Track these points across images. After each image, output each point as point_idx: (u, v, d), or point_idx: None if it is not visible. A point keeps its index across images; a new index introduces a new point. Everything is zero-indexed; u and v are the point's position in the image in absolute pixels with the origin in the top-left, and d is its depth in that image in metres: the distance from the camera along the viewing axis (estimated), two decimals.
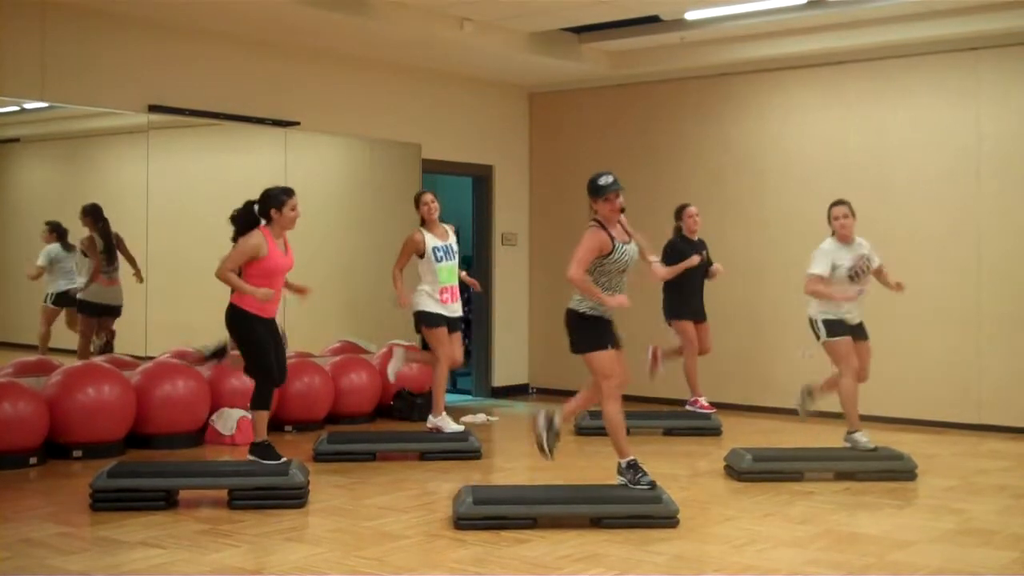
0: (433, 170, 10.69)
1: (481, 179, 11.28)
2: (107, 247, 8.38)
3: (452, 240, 7.92)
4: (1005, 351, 8.84)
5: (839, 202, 7.10)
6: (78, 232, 8.32)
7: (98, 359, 8.14)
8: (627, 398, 9.26)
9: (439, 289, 7.77)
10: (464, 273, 8.13)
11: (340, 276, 9.95)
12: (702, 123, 10.48)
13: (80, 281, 8.32)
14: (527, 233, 11.59)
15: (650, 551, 5.16)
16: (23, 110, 8.17)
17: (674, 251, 8.66)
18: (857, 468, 6.85)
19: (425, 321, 7.82)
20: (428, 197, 7.92)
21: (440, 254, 7.81)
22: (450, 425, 7.79)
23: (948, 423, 8.99)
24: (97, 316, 8.45)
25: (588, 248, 5.77)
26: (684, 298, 8.77)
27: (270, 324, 6.41)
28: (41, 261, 8.26)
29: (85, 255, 8.35)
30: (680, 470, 7.18)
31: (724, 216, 10.23)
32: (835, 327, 6.97)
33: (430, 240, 7.81)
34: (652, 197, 10.70)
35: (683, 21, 9.20)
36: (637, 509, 5.63)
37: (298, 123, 9.42)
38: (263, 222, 6.33)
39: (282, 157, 9.39)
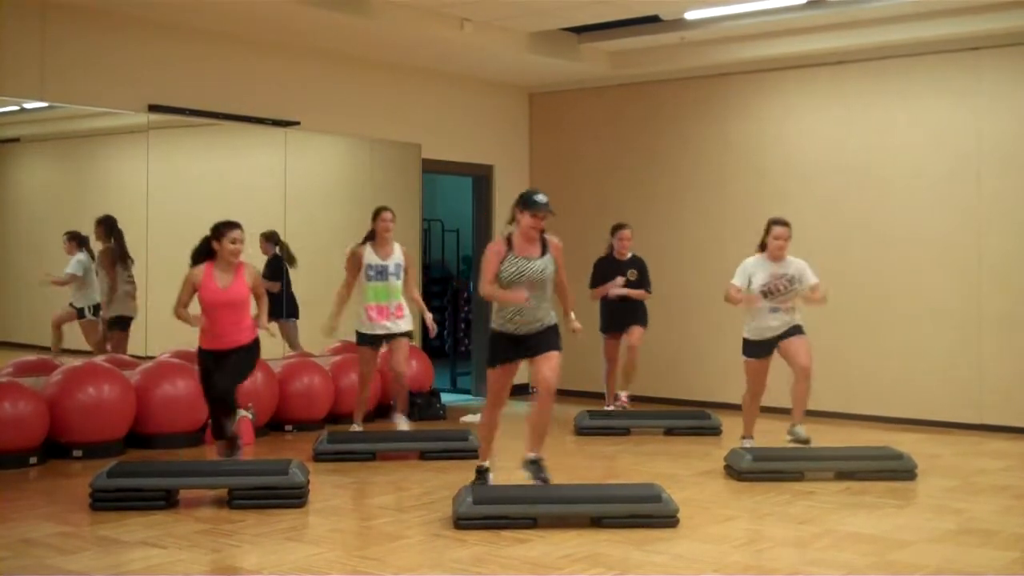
0: (433, 170, 10.69)
1: (481, 179, 11.28)
2: (123, 258, 8.39)
3: (393, 262, 7.97)
4: (1005, 351, 8.84)
5: (782, 222, 7.23)
6: (87, 230, 8.32)
7: (98, 359, 8.13)
8: (628, 398, 9.33)
9: (365, 307, 7.94)
10: (422, 305, 8.26)
11: (340, 276, 9.91)
12: (702, 123, 10.48)
13: (96, 296, 8.33)
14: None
15: (650, 551, 5.16)
16: (23, 110, 8.17)
17: (597, 270, 9.09)
18: (857, 468, 6.85)
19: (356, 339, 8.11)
20: (386, 214, 8.03)
21: (371, 273, 7.95)
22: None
23: (949, 423, 8.98)
24: (127, 330, 8.50)
25: (486, 260, 6.07)
26: (606, 313, 9.07)
27: (218, 357, 6.46)
28: (75, 270, 8.26)
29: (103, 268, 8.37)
30: (680, 470, 7.18)
31: (724, 216, 10.23)
32: (749, 348, 7.29)
33: (368, 257, 7.96)
34: (652, 197, 10.71)
35: (683, 21, 9.20)
36: (637, 509, 5.62)
37: (298, 123, 9.42)
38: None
39: (282, 157, 9.39)
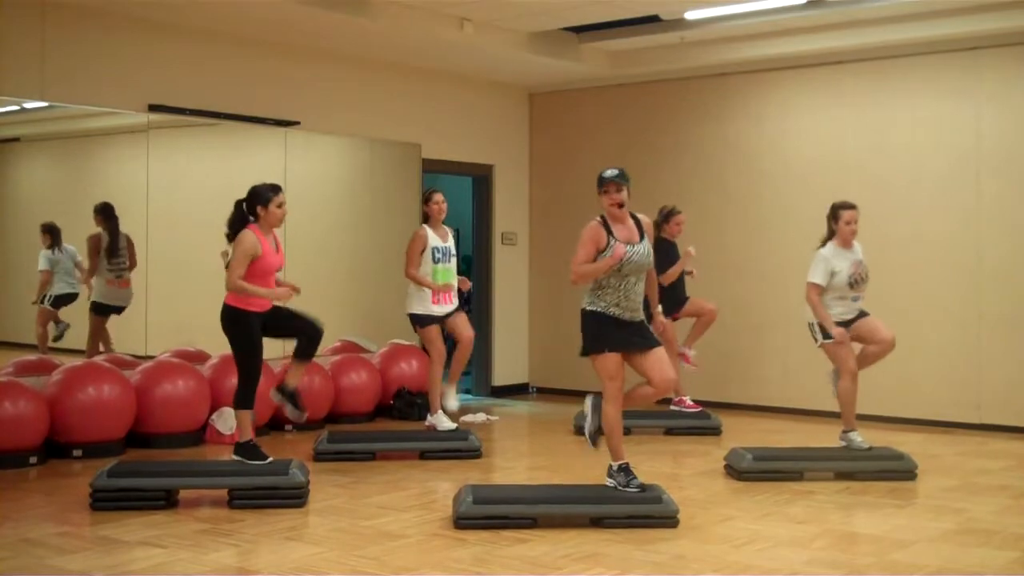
0: (433, 170, 10.69)
1: (481, 179, 11.28)
2: (112, 246, 8.37)
3: (451, 244, 7.97)
4: (1006, 351, 8.84)
5: (850, 205, 7.00)
6: (87, 230, 8.31)
7: (98, 359, 8.13)
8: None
9: (432, 289, 7.82)
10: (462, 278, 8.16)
11: (340, 276, 9.95)
12: (702, 123, 10.48)
13: (64, 287, 8.32)
14: (527, 233, 11.59)
15: (650, 551, 5.16)
16: (23, 110, 8.17)
17: (660, 253, 8.90)
18: (857, 468, 6.85)
19: (417, 322, 7.92)
20: (439, 197, 7.98)
21: (439, 255, 7.85)
22: (443, 423, 7.85)
23: (949, 423, 8.98)
24: (105, 316, 8.45)
25: (582, 243, 5.69)
26: (670, 295, 8.87)
27: (265, 317, 6.39)
28: (43, 265, 8.25)
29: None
30: (680, 470, 7.18)
31: (724, 216, 10.23)
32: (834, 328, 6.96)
33: (432, 239, 7.85)
34: (652, 197, 10.70)
35: (683, 21, 9.20)
36: (637, 509, 5.63)
37: (298, 123, 9.42)
38: (252, 220, 6.33)
39: (282, 157, 9.39)
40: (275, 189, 6.40)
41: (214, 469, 6.42)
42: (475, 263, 11.43)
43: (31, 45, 7.78)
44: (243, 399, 6.42)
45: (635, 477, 5.84)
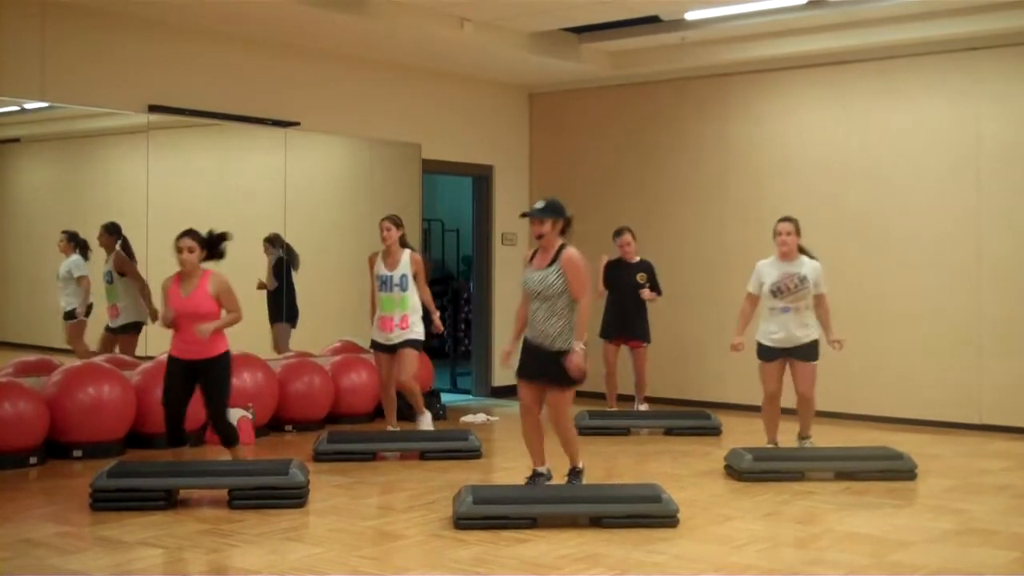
0: (433, 170, 10.69)
1: (481, 179, 11.28)
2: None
3: (403, 272, 7.82)
4: (1006, 351, 8.83)
5: (784, 218, 7.21)
6: (87, 230, 8.28)
7: (98, 359, 8.13)
8: (625, 398, 9.35)
9: (378, 316, 7.91)
10: (432, 307, 8.08)
11: (340, 276, 9.94)
12: (702, 123, 10.48)
13: (77, 302, 8.28)
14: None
15: (650, 551, 5.16)
16: (23, 110, 8.17)
17: (606, 272, 9.14)
18: (857, 468, 6.85)
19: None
20: (384, 224, 7.90)
21: (380, 284, 7.89)
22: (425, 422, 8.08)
23: (949, 423, 8.98)
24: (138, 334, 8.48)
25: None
26: (609, 318, 9.16)
27: (184, 367, 6.39)
28: (83, 272, 8.19)
29: (122, 275, 8.33)
30: (680, 470, 7.18)
31: (724, 216, 10.23)
32: (761, 352, 7.23)
33: (378, 266, 7.92)
34: (652, 197, 10.71)
35: (683, 21, 9.20)
36: (637, 509, 5.62)
37: (298, 123, 9.42)
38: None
39: (282, 157, 9.39)
40: (180, 234, 6.48)
41: (214, 469, 6.42)
42: (475, 263, 11.43)
43: (31, 45, 7.78)
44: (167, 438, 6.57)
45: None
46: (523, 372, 6.10)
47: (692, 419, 8.86)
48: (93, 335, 8.35)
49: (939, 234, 9.14)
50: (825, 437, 7.84)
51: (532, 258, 6.09)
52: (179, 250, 6.41)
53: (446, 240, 13.85)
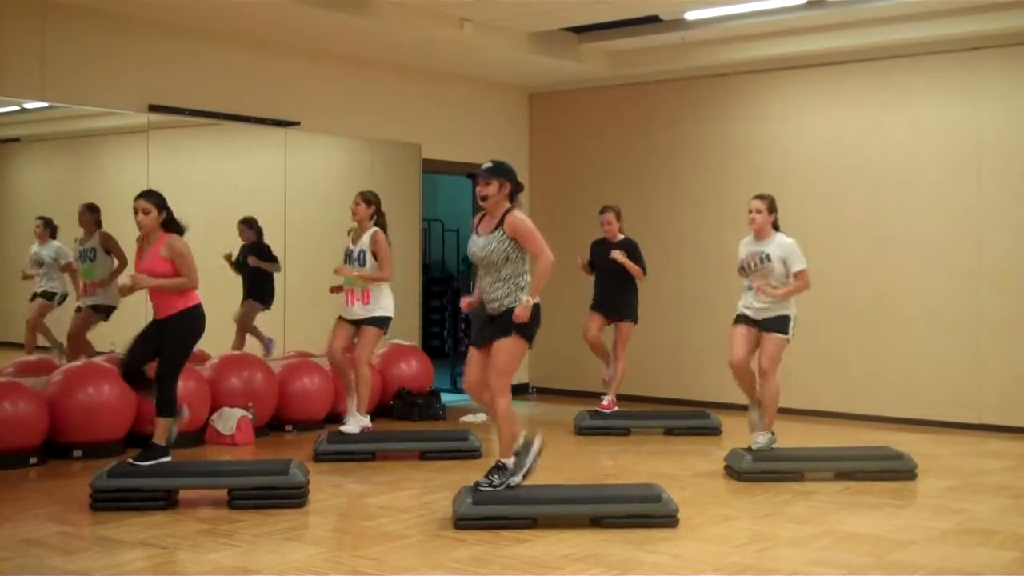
0: (433, 170, 10.69)
1: None
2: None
3: (362, 247, 7.80)
4: (1006, 351, 8.84)
5: (757, 196, 7.19)
6: (70, 230, 8.30)
7: (98, 359, 8.13)
8: (627, 398, 9.33)
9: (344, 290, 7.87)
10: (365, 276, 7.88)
11: (340, 276, 9.92)
12: (702, 123, 10.48)
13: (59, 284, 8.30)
14: None
15: (650, 551, 5.16)
16: (23, 110, 8.17)
17: (591, 250, 9.01)
18: (857, 468, 6.85)
19: None
20: (356, 198, 7.90)
21: (344, 257, 7.92)
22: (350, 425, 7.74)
23: (949, 423, 8.98)
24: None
25: None
26: (598, 293, 8.92)
27: (150, 325, 6.47)
28: (68, 258, 8.24)
29: (108, 252, 8.32)
30: (680, 470, 7.18)
31: (723, 216, 10.22)
32: (736, 317, 7.14)
33: (348, 240, 7.94)
34: (652, 197, 10.71)
35: (683, 21, 9.20)
36: (637, 509, 5.63)
37: (298, 123, 9.42)
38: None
39: (282, 157, 9.39)
40: (137, 196, 6.52)
41: (214, 469, 6.42)
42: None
43: (31, 45, 7.78)
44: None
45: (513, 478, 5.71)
46: (474, 341, 5.94)
47: (692, 419, 8.86)
48: (53, 321, 8.33)
49: (939, 234, 9.14)
50: (825, 437, 7.84)
51: (479, 224, 5.84)
52: (135, 211, 6.40)
53: (446, 240, 13.84)
